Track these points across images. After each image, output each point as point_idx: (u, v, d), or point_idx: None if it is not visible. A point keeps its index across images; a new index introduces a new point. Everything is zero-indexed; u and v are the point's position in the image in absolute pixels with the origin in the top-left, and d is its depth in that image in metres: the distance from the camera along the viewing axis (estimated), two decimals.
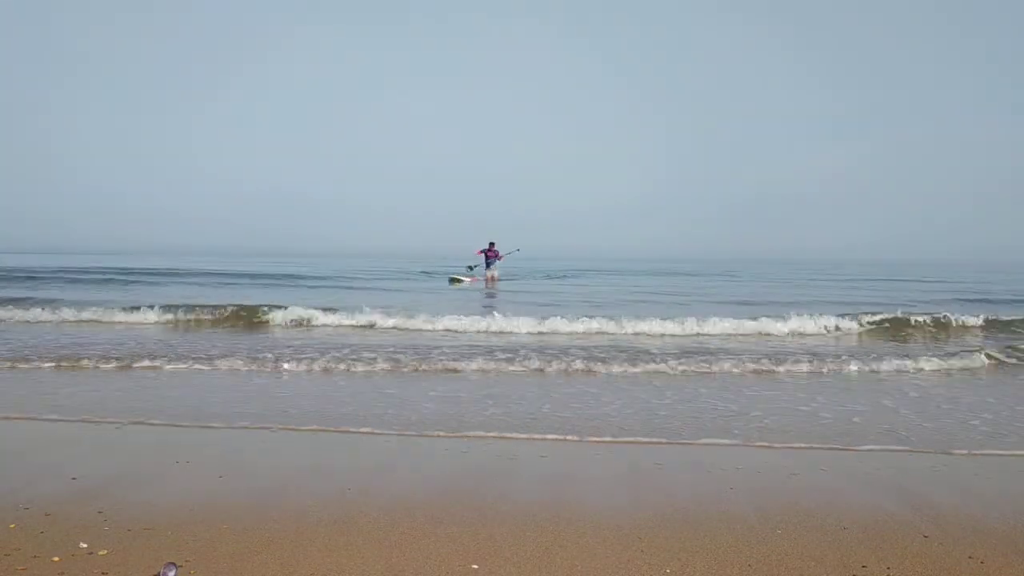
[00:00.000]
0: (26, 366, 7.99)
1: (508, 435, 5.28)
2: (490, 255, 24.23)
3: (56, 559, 2.94)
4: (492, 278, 24.12)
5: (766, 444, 5.14)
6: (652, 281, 31.05)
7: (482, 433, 5.33)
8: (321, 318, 12.95)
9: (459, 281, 24.89)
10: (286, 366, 8.13)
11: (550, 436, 5.28)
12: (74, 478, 4.03)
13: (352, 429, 5.40)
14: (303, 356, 8.55)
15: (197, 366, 8.07)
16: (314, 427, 5.44)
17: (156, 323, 12.90)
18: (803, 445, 5.14)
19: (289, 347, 9.48)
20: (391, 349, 9.23)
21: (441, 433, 5.33)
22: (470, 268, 25.64)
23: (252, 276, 27.56)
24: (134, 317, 13.07)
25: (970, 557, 3.16)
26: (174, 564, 2.83)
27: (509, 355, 8.85)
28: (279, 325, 12.86)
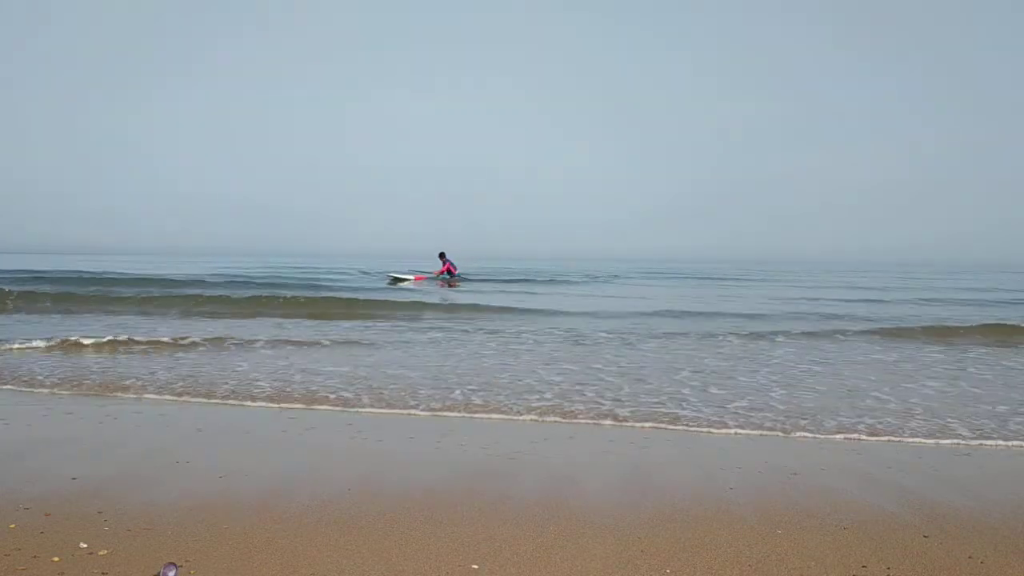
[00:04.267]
0: None
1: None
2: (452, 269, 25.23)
3: (56, 559, 2.95)
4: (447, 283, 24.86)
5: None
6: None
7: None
8: None
9: (400, 280, 25.18)
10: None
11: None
12: (74, 478, 4.03)
13: (351, 431, 5.41)
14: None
15: None
16: (313, 427, 5.45)
17: None
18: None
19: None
20: None
21: (439, 435, 5.33)
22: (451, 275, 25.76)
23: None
24: None
25: (970, 557, 3.16)
26: (174, 564, 2.83)
27: None
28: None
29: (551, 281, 30.38)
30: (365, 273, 32.36)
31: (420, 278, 25.40)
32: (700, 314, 15.92)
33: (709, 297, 22.87)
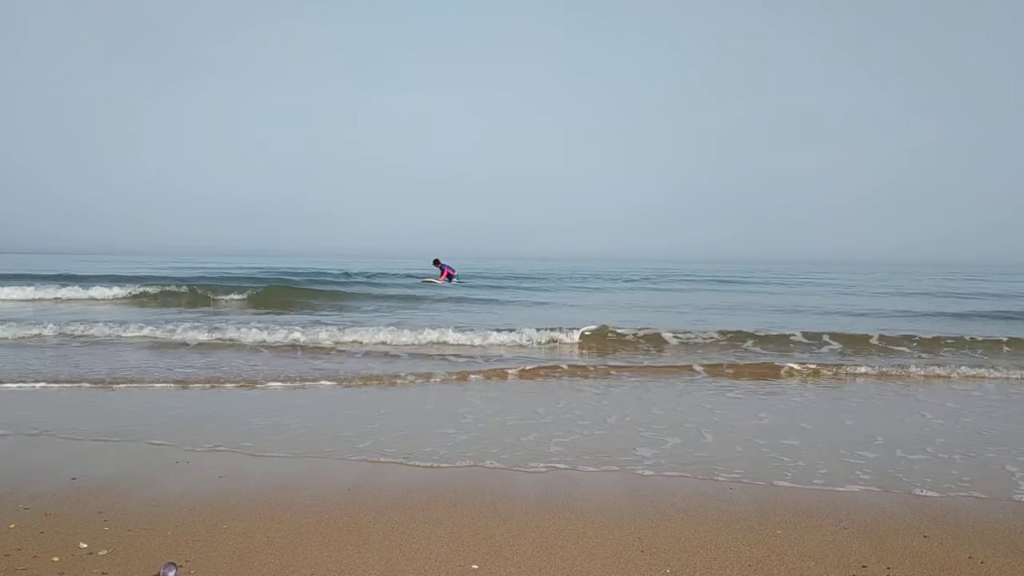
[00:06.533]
0: None
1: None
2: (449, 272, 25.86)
3: (56, 559, 2.95)
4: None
5: None
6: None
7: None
8: None
9: (431, 281, 25.85)
10: None
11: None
12: (74, 478, 4.03)
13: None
14: None
15: None
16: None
17: None
18: None
19: None
20: None
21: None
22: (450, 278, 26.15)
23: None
24: None
25: (970, 557, 3.16)
26: (174, 564, 2.84)
27: None
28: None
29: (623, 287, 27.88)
30: (348, 275, 32.27)
31: (441, 279, 25.75)
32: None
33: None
